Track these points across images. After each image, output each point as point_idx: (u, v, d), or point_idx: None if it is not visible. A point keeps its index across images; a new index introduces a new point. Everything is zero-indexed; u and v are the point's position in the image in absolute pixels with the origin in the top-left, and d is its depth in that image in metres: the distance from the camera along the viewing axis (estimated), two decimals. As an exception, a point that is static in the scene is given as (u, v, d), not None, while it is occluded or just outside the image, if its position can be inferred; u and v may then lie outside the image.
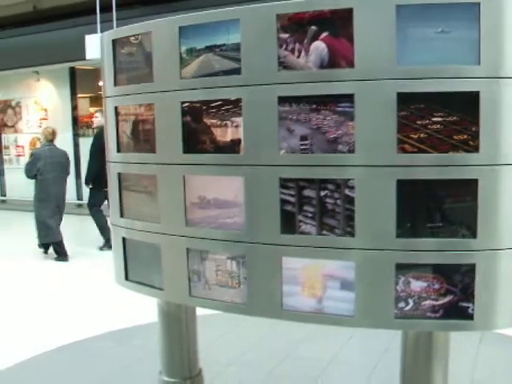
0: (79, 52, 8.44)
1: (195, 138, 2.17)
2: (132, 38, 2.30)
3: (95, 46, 7.22)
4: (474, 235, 1.92)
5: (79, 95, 11.86)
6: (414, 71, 1.87)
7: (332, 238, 1.99)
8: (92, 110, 11.32)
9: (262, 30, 1.99)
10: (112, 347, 4.11)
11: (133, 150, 2.38)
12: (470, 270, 1.93)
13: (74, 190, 11.11)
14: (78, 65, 10.92)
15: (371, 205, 1.94)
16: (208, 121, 2.13)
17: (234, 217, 2.14)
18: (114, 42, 2.38)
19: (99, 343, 4.21)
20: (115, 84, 2.40)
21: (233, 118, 2.07)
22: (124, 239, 2.50)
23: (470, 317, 1.95)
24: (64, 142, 9.34)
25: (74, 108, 11.71)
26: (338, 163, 1.96)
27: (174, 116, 2.18)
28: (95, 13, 8.33)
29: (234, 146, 2.09)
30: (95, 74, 10.76)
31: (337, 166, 1.96)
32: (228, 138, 2.10)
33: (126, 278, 2.52)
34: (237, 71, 2.04)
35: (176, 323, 2.61)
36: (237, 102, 2.05)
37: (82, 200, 11.03)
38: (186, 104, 2.16)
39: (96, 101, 11.15)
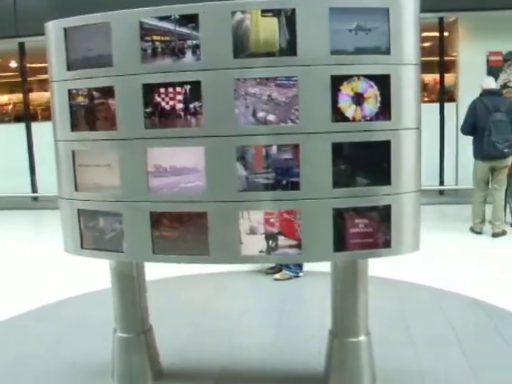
0: None
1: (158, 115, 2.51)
2: (87, 27, 2.55)
3: None
4: (388, 182, 2.54)
5: None
6: (342, 59, 2.42)
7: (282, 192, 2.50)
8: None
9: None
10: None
11: (90, 129, 2.63)
12: (388, 209, 2.56)
13: None
14: None
15: (313, 163, 2.47)
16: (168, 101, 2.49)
17: (195, 181, 2.53)
18: (66, 30, 2.59)
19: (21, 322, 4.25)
20: (68, 69, 2.62)
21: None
22: (79, 211, 2.73)
23: (389, 245, 2.59)
24: None
25: None
26: (285, 132, 2.45)
27: (135, 97, 2.50)
28: None
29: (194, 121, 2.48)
30: None
31: (285, 134, 2.45)
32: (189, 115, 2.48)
33: (82, 246, 2.76)
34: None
35: (129, 282, 2.92)
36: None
37: None
38: (147, 86, 2.49)
39: None
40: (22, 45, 9.44)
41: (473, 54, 8.54)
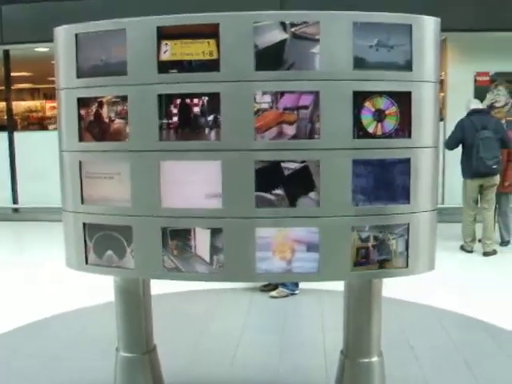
0: None
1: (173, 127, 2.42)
2: (100, 33, 2.45)
3: None
4: (407, 201, 2.49)
5: None
6: (365, 74, 2.37)
7: (300, 209, 2.42)
8: None
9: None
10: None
11: (99, 139, 2.53)
12: (406, 228, 2.50)
13: None
14: None
15: (333, 180, 2.40)
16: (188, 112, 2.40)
17: (211, 197, 2.44)
18: (77, 36, 2.50)
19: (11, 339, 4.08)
20: (78, 76, 2.51)
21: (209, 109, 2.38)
22: (85, 225, 2.62)
23: (406, 264, 2.53)
24: None
25: None
26: (306, 147, 2.38)
27: (150, 107, 2.41)
28: None
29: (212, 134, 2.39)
30: None
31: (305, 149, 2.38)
32: (206, 127, 2.40)
33: (87, 262, 2.65)
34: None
35: (134, 300, 2.80)
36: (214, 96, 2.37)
37: None
38: (163, 96, 2.40)
39: None
40: (7, 52, 9.26)
41: (460, 73, 8.63)
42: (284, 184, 2.40)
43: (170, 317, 4.28)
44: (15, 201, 9.46)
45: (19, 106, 11.64)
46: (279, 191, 2.41)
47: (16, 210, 9.50)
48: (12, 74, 9.62)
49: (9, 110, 9.57)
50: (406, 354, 3.60)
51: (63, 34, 2.55)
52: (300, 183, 2.41)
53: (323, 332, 3.73)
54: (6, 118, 9.62)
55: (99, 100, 2.51)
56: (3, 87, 9.55)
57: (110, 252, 2.60)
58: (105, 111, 2.50)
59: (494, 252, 6.43)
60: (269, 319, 4.37)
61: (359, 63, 2.36)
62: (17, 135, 9.44)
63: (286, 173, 2.40)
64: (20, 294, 5.17)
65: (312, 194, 2.40)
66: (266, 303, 4.69)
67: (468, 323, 4.21)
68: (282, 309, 4.51)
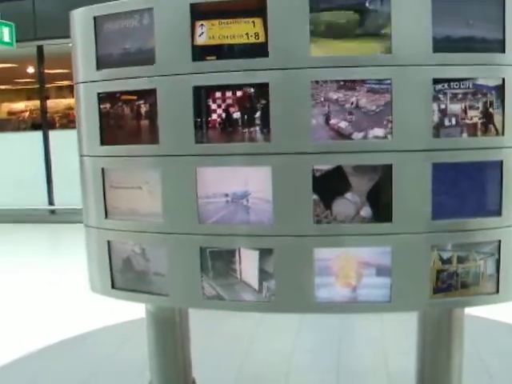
0: None
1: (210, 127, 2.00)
2: (123, 15, 2.05)
3: None
4: (498, 213, 2.01)
5: None
6: (448, 58, 1.90)
7: (369, 225, 1.97)
8: None
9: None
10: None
11: (124, 143, 2.13)
12: (497, 246, 2.03)
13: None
14: None
15: (408, 189, 1.95)
16: (226, 108, 1.98)
17: (259, 210, 2.01)
18: (96, 19, 2.10)
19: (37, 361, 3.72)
20: (98, 68, 2.12)
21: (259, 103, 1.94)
22: (109, 243, 2.23)
23: (496, 290, 2.06)
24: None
25: None
26: (375, 149, 1.93)
27: (184, 102, 1.99)
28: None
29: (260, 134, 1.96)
30: None
31: (374, 151, 1.93)
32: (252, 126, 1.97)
33: (113, 286, 2.26)
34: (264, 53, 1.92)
35: (170, 330, 2.37)
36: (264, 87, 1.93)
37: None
38: (199, 89, 1.98)
39: None
40: (40, 48, 8.98)
41: None
42: (348, 194, 1.97)
43: (208, 339, 3.85)
44: (51, 202, 9.18)
45: (59, 103, 11.43)
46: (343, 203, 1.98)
47: (52, 212, 9.18)
48: (49, 71, 9.38)
49: (43, 108, 9.31)
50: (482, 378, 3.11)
51: (80, 17, 2.16)
52: (367, 193, 1.96)
53: (385, 356, 3.27)
54: (40, 116, 9.41)
55: (123, 95, 2.11)
56: (38, 85, 9.33)
57: (139, 275, 2.21)
58: (130, 108, 2.10)
59: None
60: (322, 340, 3.90)
61: (441, 44, 1.89)
62: (52, 134, 9.15)
63: (351, 181, 1.96)
64: (51, 304, 4.85)
65: (383, 207, 1.96)
66: (318, 321, 4.22)
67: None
68: (337, 327, 4.05)
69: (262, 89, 1.92)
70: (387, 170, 1.92)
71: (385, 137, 1.91)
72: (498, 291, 2.07)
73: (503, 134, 1.96)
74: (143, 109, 2.07)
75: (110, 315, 4.33)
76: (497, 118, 1.94)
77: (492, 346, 3.62)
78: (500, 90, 1.94)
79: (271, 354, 3.58)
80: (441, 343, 2.25)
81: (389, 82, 1.87)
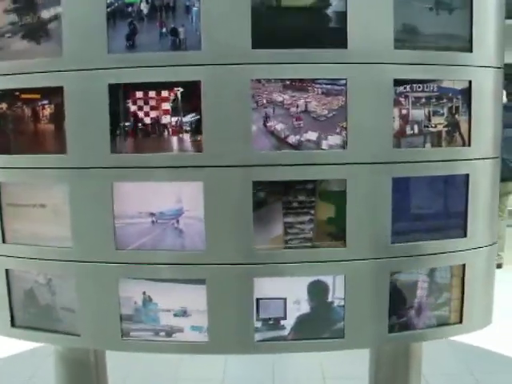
0: None
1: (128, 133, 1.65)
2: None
3: None
4: (463, 234, 1.77)
5: None
6: (410, 56, 1.63)
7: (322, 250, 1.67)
8: None
9: None
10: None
11: (23, 152, 1.75)
12: (461, 271, 1.79)
13: None
14: None
15: (364, 208, 1.67)
16: (147, 112, 1.63)
17: (193, 233, 1.68)
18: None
19: None
20: (-9, 60, 1.73)
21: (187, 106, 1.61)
22: (8, 272, 1.83)
23: (459, 320, 1.82)
24: None
25: None
26: (326, 161, 1.64)
27: (98, 103, 1.63)
28: None
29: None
30: None
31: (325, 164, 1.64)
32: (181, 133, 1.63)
33: (13, 324, 1.86)
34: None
35: (83, 372, 2.00)
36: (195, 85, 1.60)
37: None
38: (115, 88, 1.63)
39: None
40: None
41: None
42: (295, 215, 1.67)
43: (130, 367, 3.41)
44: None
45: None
46: (293, 225, 1.68)
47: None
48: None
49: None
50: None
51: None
52: (316, 215, 1.67)
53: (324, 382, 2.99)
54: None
55: (23, 93, 1.73)
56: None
57: (44, 310, 1.83)
58: (31, 110, 1.72)
59: (499, 266, 5.81)
60: (254, 367, 3.57)
61: (402, 38, 1.63)
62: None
63: (297, 200, 1.66)
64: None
65: (335, 230, 1.67)
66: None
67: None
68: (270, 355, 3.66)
69: (193, 88, 1.59)
70: (341, 184, 1.64)
71: (338, 146, 1.63)
72: (461, 321, 1.84)
73: (469, 144, 1.73)
74: (47, 110, 1.70)
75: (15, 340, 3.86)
76: (463, 126, 1.71)
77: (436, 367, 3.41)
78: (466, 94, 1.71)
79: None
80: (396, 381, 1.99)
81: (343, 82, 1.59)
